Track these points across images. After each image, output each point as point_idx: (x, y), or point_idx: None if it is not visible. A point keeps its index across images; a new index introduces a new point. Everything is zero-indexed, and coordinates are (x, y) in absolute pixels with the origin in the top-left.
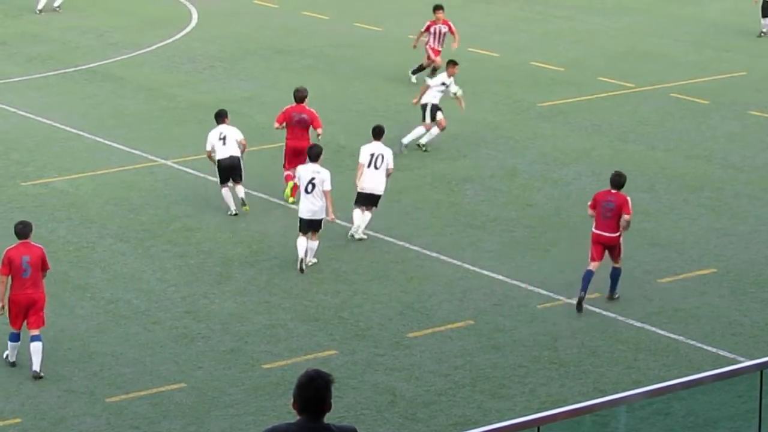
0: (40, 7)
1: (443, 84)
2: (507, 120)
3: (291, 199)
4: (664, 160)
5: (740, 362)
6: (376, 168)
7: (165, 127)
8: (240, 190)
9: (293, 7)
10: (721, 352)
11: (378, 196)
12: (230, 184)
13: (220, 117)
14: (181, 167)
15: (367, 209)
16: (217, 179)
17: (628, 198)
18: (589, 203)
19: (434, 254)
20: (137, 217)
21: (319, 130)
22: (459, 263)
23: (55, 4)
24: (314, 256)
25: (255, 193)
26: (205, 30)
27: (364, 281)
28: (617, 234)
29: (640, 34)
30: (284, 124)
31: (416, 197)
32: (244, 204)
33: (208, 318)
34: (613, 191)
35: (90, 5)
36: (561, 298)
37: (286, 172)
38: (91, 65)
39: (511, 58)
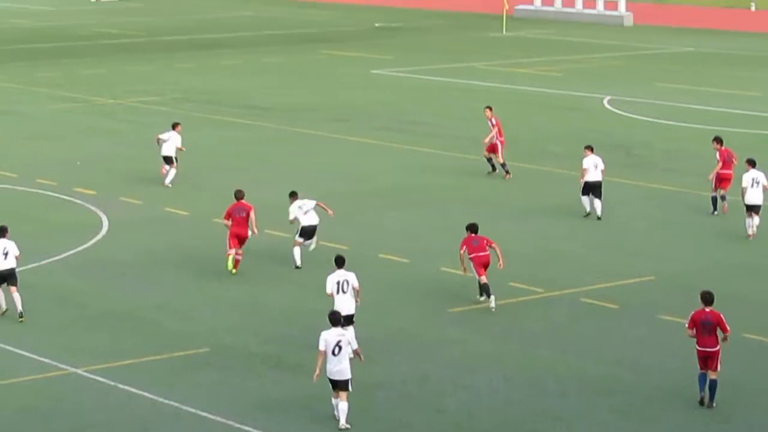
0: None
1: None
2: (417, 325)
3: (234, 271)
4: (575, 365)
5: None
6: (344, 292)
7: (75, 335)
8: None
9: (204, 215)
10: None
11: (352, 316)
12: (306, 241)
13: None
14: (91, 375)
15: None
16: None
17: (722, 314)
18: (687, 324)
19: None
20: (48, 427)
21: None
22: None
23: None
24: (347, 421)
25: None
26: (116, 237)
27: None
28: (717, 348)
29: (549, 238)
30: (229, 220)
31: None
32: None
33: None
34: (707, 309)
35: None
36: None
37: (230, 251)
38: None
39: (421, 263)
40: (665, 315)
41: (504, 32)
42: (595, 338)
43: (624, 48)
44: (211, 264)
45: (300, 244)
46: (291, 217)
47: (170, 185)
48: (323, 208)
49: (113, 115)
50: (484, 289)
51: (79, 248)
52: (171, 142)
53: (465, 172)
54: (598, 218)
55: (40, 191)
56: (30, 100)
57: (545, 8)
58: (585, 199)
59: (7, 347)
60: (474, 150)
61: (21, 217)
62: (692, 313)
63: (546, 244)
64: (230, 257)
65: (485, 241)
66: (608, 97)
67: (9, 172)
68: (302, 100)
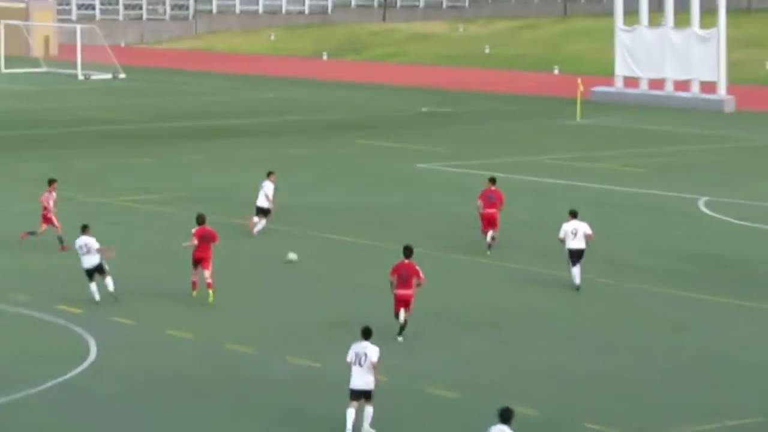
0: None
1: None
2: None
3: (194, 293)
4: None
5: None
6: (360, 365)
7: None
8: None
9: (213, 339)
10: None
11: (367, 392)
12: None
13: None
14: None
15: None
16: None
17: None
18: None
19: None
20: None
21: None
22: None
23: None
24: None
25: None
26: (104, 366)
27: None
28: None
29: (626, 367)
30: (195, 242)
31: None
32: None
33: None
34: None
35: None
36: None
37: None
38: None
39: (476, 397)
40: None
41: (578, 119)
42: None
43: (724, 139)
44: (221, 400)
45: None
46: None
47: (257, 235)
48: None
49: (102, 217)
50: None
51: (61, 378)
52: (263, 192)
53: (535, 283)
54: (576, 288)
55: (13, 309)
56: (4, 198)
57: (628, 91)
58: (574, 270)
59: None
60: (549, 263)
61: None
62: None
63: (622, 375)
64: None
65: (413, 274)
66: (704, 199)
67: None
68: (333, 199)
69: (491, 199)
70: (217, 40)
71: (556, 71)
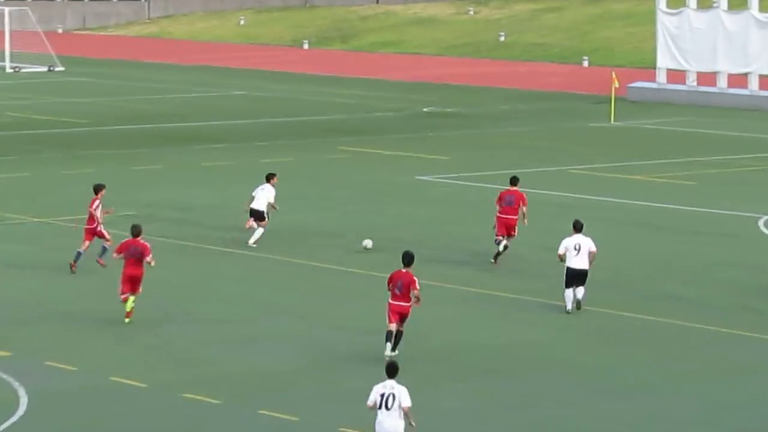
0: None
1: None
2: None
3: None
4: None
5: None
6: (387, 408)
7: None
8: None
9: (168, 385)
10: None
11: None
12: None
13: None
14: None
15: None
16: None
17: None
18: None
19: None
20: None
21: (150, 260)
22: None
23: None
24: None
25: None
26: (37, 420)
27: None
28: None
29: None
30: (122, 255)
31: None
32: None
33: None
34: None
35: None
36: None
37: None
38: None
39: None
40: None
41: (612, 121)
42: None
43: None
44: None
45: None
46: None
47: (255, 245)
48: None
49: (36, 241)
50: (388, 338)
51: None
52: (264, 195)
53: (559, 321)
54: (578, 308)
55: None
56: None
57: (672, 87)
58: (568, 294)
59: None
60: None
61: None
62: None
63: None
64: (129, 301)
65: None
66: (765, 218)
67: None
68: (313, 218)
69: (510, 203)
70: (176, 26)
71: (585, 63)
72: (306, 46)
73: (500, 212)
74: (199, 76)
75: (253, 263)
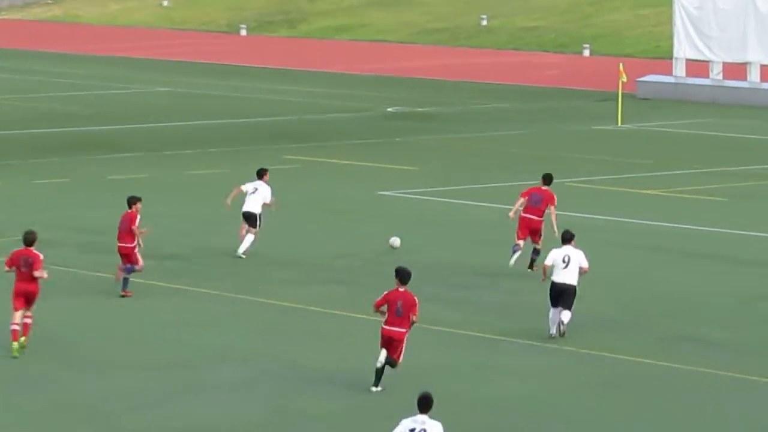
0: None
1: None
2: None
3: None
4: None
5: None
6: None
7: None
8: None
9: None
10: None
11: None
12: None
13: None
14: None
15: None
16: None
17: None
18: None
19: None
20: None
21: (41, 273)
22: None
23: None
24: None
25: None
26: None
27: None
28: None
29: None
30: (12, 268)
31: None
32: None
33: None
34: None
35: None
36: None
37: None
38: None
39: None
40: None
41: (619, 123)
42: None
43: None
44: None
45: None
46: None
47: (244, 255)
48: None
49: None
50: (379, 373)
51: None
52: (257, 195)
53: (568, 378)
54: (561, 334)
55: None
56: None
57: (691, 80)
58: (553, 314)
59: None
60: (586, 340)
61: None
62: None
63: None
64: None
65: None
66: None
67: None
68: (257, 245)
69: (537, 203)
70: (85, 8)
71: (586, 52)
72: (244, 32)
73: (524, 211)
74: (113, 69)
75: (183, 299)
